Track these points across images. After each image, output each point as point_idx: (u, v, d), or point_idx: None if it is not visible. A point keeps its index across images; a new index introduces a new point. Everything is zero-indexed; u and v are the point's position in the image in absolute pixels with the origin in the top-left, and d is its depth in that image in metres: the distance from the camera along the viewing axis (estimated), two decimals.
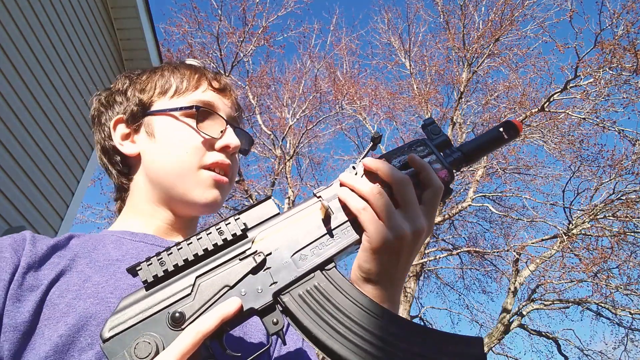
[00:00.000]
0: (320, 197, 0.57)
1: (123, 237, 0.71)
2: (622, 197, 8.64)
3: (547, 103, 8.98)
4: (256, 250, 0.53)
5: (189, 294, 0.50)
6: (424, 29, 12.17)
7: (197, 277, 0.51)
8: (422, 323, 11.91)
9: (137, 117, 0.77)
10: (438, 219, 9.36)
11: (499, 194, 10.57)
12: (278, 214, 0.56)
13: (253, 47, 9.92)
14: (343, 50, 11.71)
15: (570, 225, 9.03)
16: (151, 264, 0.50)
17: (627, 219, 8.45)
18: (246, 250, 0.53)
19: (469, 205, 9.61)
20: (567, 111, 9.19)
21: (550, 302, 9.76)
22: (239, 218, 0.54)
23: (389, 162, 0.61)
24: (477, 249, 10.63)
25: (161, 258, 0.51)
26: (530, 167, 10.62)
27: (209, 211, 0.76)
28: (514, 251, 9.26)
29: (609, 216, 8.85)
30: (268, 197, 0.58)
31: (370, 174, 0.58)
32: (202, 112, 0.74)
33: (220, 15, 9.67)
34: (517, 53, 10.62)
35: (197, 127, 0.74)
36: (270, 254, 0.53)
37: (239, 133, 0.80)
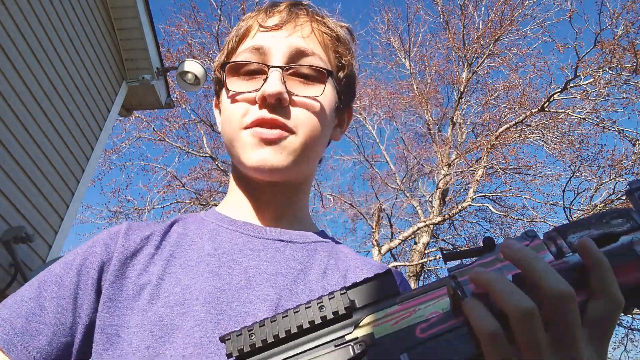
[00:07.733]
0: (454, 277, 0.42)
1: (221, 226, 0.66)
2: (622, 197, 8.63)
3: (547, 103, 8.97)
4: (357, 338, 0.42)
5: None
6: (423, 29, 12.19)
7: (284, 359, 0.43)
8: None
9: (216, 86, 0.73)
10: (438, 219, 9.35)
11: (499, 194, 10.57)
12: (396, 294, 0.44)
13: None
14: None
15: None
16: (241, 334, 0.44)
17: None
18: (345, 335, 0.42)
19: (469, 205, 9.59)
20: (567, 111, 9.19)
21: None
22: (345, 293, 0.44)
23: (557, 240, 0.42)
24: None
25: (252, 330, 0.45)
26: (530, 167, 10.61)
27: (262, 175, 0.64)
28: None
29: None
30: (388, 271, 0.46)
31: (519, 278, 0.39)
32: (231, 68, 0.65)
33: (219, 15, 9.66)
34: (517, 53, 10.63)
35: (227, 83, 0.64)
36: (374, 345, 0.41)
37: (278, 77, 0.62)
